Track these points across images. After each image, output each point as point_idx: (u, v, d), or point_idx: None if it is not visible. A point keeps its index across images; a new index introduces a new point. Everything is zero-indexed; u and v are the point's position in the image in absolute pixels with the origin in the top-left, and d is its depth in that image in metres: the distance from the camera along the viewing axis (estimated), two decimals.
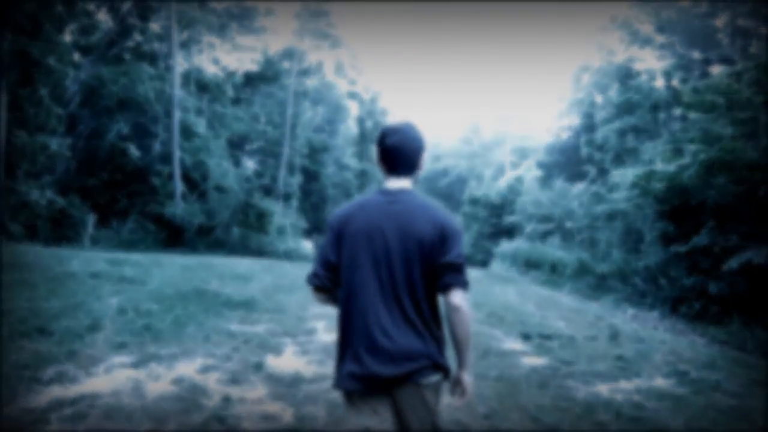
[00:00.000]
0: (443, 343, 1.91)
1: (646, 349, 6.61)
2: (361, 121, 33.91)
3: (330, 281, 1.93)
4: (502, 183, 35.58)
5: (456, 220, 2.00)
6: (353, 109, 33.81)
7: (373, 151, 34.29)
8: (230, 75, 25.16)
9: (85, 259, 10.14)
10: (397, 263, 1.85)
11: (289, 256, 19.44)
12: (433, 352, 1.84)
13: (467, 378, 1.92)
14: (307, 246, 21.78)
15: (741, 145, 9.09)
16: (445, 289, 1.83)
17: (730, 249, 8.76)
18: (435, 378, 1.85)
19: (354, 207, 1.98)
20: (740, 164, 8.91)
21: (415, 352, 1.82)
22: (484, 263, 27.20)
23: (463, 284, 1.84)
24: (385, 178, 2.01)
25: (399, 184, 1.98)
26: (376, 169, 33.50)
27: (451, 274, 1.83)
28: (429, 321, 1.87)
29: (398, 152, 1.97)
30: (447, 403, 3.89)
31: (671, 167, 10.28)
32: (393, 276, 1.85)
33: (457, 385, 1.95)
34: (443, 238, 1.86)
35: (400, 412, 1.86)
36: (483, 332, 7.18)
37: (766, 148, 8.70)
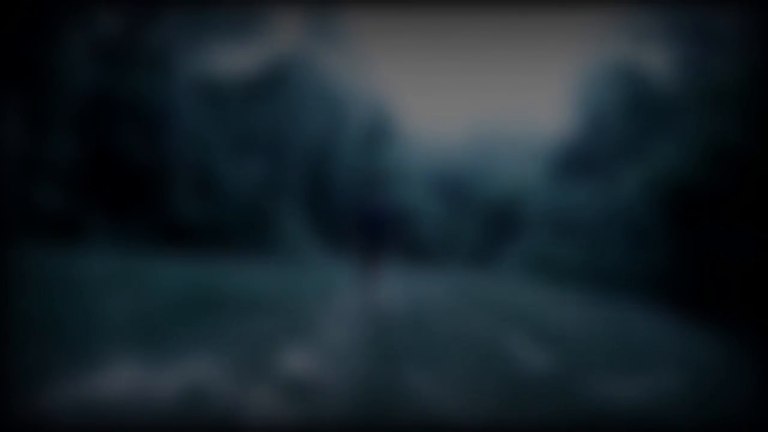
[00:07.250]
0: (394, 239, 8.42)
1: (653, 348, 6.59)
2: (367, 121, 33.85)
3: (358, 227, 8.30)
4: (508, 181, 35.47)
5: (395, 208, 8.75)
6: (360, 109, 33.75)
7: (379, 150, 34.06)
8: (236, 76, 25.20)
9: (91, 261, 10.20)
10: (380, 220, 8.37)
11: (296, 256, 19.48)
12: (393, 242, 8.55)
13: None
14: (313, 246, 21.76)
15: (746, 141, 9.04)
16: (394, 225, 8.37)
17: (737, 245, 8.71)
18: (392, 248, 8.54)
19: (363, 206, 8.53)
20: (745, 158, 8.87)
21: (386, 240, 8.41)
22: (489, 262, 27.14)
23: (398, 221, 8.53)
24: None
25: (376, 201, 8.61)
26: (379, 168, 33.46)
27: (394, 222, 8.38)
28: (390, 233, 8.34)
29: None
30: (445, 396, 3.90)
31: (676, 162, 10.23)
32: (380, 224, 8.28)
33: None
34: (393, 213, 8.41)
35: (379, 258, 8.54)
36: (487, 333, 7.17)
37: None
